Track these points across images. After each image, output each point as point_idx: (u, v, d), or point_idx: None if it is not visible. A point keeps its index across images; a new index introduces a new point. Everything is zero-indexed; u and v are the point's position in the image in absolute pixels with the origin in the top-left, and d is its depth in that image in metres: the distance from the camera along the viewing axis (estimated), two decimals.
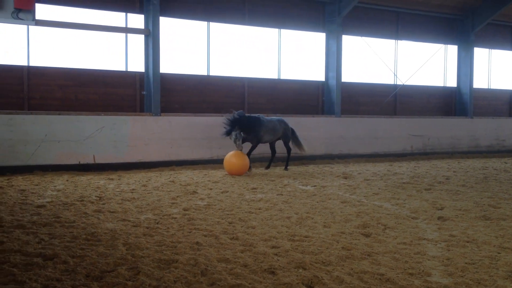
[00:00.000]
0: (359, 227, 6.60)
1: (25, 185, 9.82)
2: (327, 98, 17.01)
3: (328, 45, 16.95)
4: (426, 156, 17.83)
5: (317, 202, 8.46)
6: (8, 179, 10.60)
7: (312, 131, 15.78)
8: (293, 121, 15.46)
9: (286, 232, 6.28)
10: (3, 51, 12.70)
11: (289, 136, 13.45)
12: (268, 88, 16.23)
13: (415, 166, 14.76)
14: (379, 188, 10.06)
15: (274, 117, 13.53)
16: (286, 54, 16.66)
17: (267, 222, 6.84)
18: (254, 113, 15.32)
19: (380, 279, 4.51)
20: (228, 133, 12.06)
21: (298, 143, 13.68)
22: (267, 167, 13.48)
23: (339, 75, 16.78)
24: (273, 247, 5.57)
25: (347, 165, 15.04)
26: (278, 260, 5.05)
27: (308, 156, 15.40)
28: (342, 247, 5.56)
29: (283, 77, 16.58)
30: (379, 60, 18.25)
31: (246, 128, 12.26)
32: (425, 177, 12.09)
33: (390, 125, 17.53)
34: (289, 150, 13.60)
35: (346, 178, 11.73)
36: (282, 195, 9.19)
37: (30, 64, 12.83)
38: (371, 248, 5.54)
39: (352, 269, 4.78)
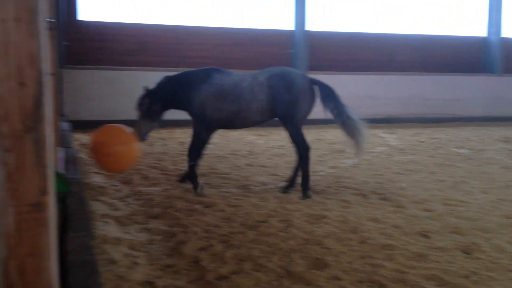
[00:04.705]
0: None
1: (184, 138, 10.56)
2: (486, 56, 15.65)
3: None
4: None
5: (474, 166, 7.95)
6: (169, 131, 11.49)
7: (468, 91, 14.73)
8: (447, 80, 14.58)
9: (439, 195, 6.02)
10: (166, 12, 13.57)
11: (293, 114, 6.00)
12: (420, 45, 15.35)
13: None
14: None
15: (260, 71, 6.31)
16: (440, 8, 15.54)
17: (418, 185, 6.62)
18: (405, 72, 14.71)
19: None
20: (141, 109, 6.19)
21: (350, 128, 6.16)
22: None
23: (499, 30, 15.29)
24: (425, 210, 5.39)
25: (509, 128, 13.83)
26: (431, 223, 4.88)
27: (464, 118, 14.46)
28: (502, 215, 5.19)
29: (437, 33, 15.55)
30: None
31: (172, 98, 6.23)
32: None
33: None
34: (303, 152, 6.13)
35: (507, 142, 10.81)
36: (433, 157, 8.78)
37: (188, 24, 13.57)
38: None
39: None
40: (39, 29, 1.55)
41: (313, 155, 8.71)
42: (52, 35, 5.91)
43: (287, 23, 14.28)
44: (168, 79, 6.35)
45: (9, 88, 1.54)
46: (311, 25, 14.04)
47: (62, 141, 7.42)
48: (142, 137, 5.98)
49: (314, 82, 6.28)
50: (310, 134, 11.52)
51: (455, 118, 14.41)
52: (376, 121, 13.61)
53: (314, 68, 14.23)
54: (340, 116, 6.10)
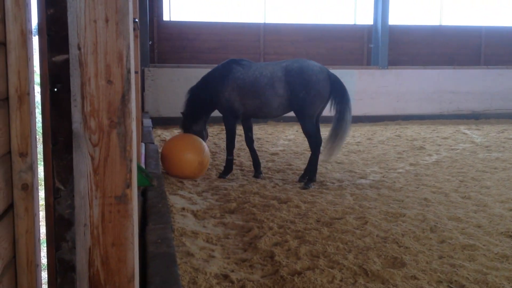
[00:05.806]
0: None
1: (261, 134, 10.67)
2: None
3: None
4: None
5: None
6: None
7: None
8: None
9: None
10: (244, 10, 13.75)
11: (307, 110, 6.23)
12: (508, 37, 14.52)
13: None
14: None
15: (278, 64, 6.49)
16: None
17: (504, 183, 6.30)
18: (492, 66, 14.02)
19: None
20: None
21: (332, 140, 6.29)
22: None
23: None
24: (511, 209, 5.13)
25: None
26: None
27: None
28: None
29: None
30: None
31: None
32: None
33: None
34: (314, 145, 6.34)
35: None
36: None
37: (266, 22, 13.67)
38: None
39: None
40: (127, 29, 1.63)
41: (392, 152, 8.56)
42: (136, 34, 6.19)
43: (366, 18, 14.00)
44: (190, 92, 6.91)
45: (97, 85, 1.64)
46: (391, 19, 13.67)
47: (144, 137, 7.75)
48: None
49: (333, 80, 6.31)
50: (389, 131, 11.29)
51: None
52: (459, 117, 13.10)
53: (394, 62, 13.87)
54: (339, 122, 6.22)
